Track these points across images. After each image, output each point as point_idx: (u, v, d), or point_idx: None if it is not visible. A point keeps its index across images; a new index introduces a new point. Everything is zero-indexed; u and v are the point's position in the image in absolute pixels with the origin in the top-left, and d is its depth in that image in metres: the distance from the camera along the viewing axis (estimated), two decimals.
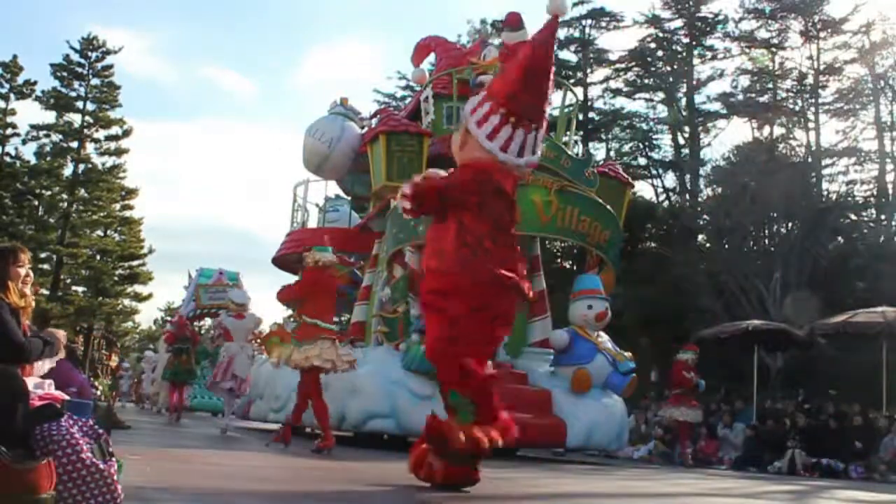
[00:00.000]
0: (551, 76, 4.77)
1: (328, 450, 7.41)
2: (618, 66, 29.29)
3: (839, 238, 22.69)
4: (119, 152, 35.92)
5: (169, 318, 27.68)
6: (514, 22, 11.60)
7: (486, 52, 11.40)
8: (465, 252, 4.45)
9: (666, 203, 28.20)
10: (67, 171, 35.07)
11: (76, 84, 35.33)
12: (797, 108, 26.49)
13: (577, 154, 12.05)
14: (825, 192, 24.21)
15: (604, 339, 10.52)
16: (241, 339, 10.77)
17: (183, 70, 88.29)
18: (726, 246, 22.26)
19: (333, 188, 14.90)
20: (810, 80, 25.79)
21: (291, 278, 12.86)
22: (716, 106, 27.94)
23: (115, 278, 36.07)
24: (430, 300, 4.66)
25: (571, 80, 26.89)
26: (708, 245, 24.55)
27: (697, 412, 12.86)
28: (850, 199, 24.10)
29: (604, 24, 29.20)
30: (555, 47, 4.86)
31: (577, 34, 29.19)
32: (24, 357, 2.83)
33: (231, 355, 10.57)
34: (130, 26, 75.76)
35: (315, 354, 7.54)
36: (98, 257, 35.90)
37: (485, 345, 4.64)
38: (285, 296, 8.47)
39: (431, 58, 13.66)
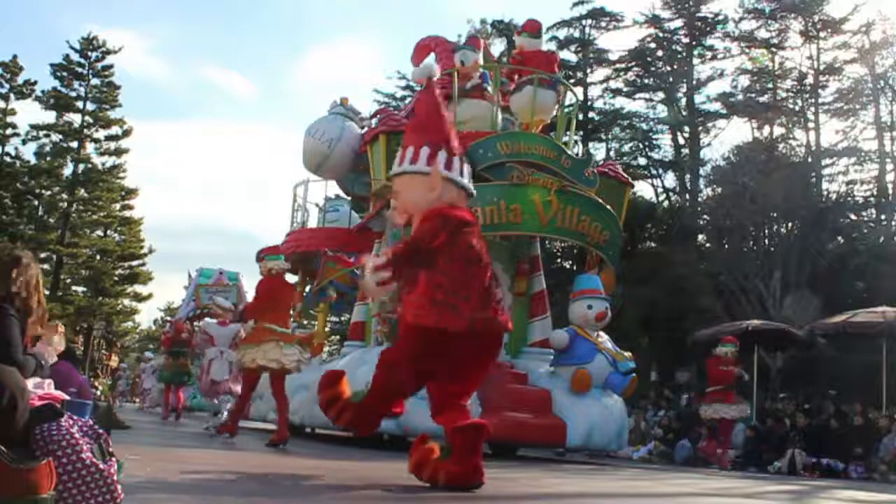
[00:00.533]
0: (446, 116, 4.96)
1: (228, 434, 8.46)
2: (618, 66, 29.30)
3: (839, 238, 22.70)
4: (119, 152, 35.95)
5: (169, 318, 27.70)
6: (535, 29, 11.84)
7: (463, 58, 11.43)
8: (441, 308, 4.38)
9: (666, 203, 28.22)
10: (67, 171, 35.12)
11: (76, 84, 35.37)
12: (797, 108, 26.50)
13: (577, 154, 12.04)
14: (825, 192, 24.22)
15: (604, 339, 10.52)
16: (223, 345, 11.54)
17: (182, 70, 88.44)
18: (726, 246, 22.29)
19: (333, 188, 14.90)
20: (810, 80, 25.80)
21: (292, 278, 12.90)
22: (716, 106, 28.00)
23: (115, 278, 36.10)
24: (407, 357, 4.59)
25: (571, 80, 26.90)
26: (708, 245, 24.58)
27: (743, 407, 12.29)
28: (850, 199, 24.11)
29: (604, 24, 29.22)
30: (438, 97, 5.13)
31: (577, 34, 29.22)
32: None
33: (210, 360, 11.39)
34: (130, 27, 75.90)
35: (259, 357, 8.08)
36: (98, 257, 35.94)
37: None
38: (250, 315, 8.76)
39: (432, 58, 13.65)
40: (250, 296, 12.07)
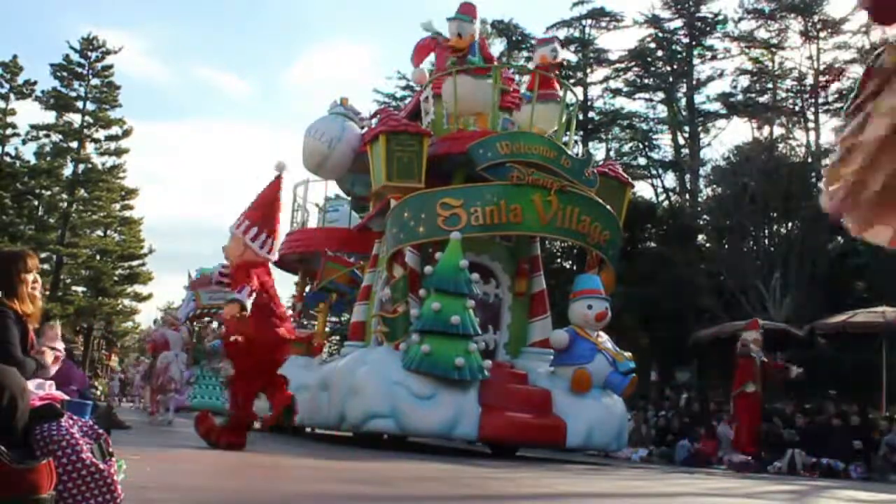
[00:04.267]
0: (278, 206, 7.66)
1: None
2: (618, 66, 29.30)
3: (839, 238, 22.68)
4: (119, 152, 35.93)
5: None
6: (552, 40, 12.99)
7: (460, 30, 11.55)
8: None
9: (666, 203, 28.21)
10: (67, 171, 35.08)
11: (76, 84, 35.34)
12: (797, 108, 26.50)
13: (577, 154, 12.04)
14: None
15: (604, 339, 10.51)
16: (177, 348, 12.66)
17: (181, 71, 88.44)
18: (726, 246, 22.26)
19: (333, 188, 14.91)
20: (810, 80, 25.81)
21: (292, 278, 13.00)
22: (716, 106, 28.00)
23: (115, 278, 36.05)
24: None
25: (571, 80, 26.89)
26: (708, 245, 24.55)
27: None
28: None
29: (604, 24, 29.24)
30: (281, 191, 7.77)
31: (577, 34, 29.21)
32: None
33: (168, 363, 12.40)
34: (128, 28, 75.88)
35: None
36: (98, 257, 35.90)
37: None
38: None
39: (431, 58, 13.67)
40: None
